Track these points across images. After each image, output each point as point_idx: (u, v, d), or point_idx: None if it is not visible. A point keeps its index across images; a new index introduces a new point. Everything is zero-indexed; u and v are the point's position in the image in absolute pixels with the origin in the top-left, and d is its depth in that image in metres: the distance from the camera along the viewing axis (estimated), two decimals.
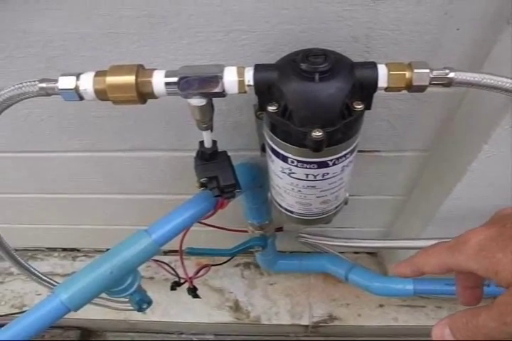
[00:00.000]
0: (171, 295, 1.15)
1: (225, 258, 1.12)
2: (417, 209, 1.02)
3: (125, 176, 0.99)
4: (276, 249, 1.19)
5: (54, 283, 0.95)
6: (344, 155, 0.61)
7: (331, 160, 0.60)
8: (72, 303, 0.70)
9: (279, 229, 1.13)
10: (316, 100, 0.52)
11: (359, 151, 0.82)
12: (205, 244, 1.07)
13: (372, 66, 0.54)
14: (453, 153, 0.79)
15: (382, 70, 0.53)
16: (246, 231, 1.07)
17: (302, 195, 0.69)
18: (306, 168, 0.61)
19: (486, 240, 0.39)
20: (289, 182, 0.67)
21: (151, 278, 1.40)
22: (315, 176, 0.63)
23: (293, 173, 0.64)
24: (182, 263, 1.02)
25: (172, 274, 1.13)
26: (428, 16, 0.59)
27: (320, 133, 0.52)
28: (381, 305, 1.33)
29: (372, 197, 1.04)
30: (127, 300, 0.83)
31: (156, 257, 1.32)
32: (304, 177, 0.64)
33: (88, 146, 0.88)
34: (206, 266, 1.10)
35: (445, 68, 0.54)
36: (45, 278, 0.93)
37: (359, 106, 0.54)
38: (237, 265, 1.41)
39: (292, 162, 0.61)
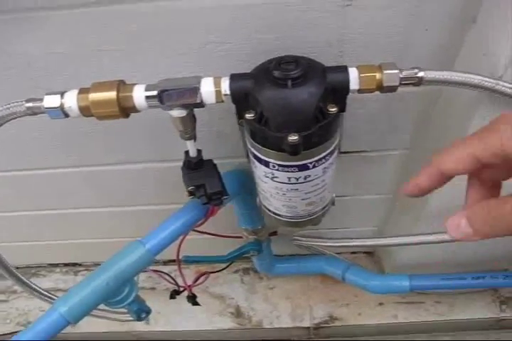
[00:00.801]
0: (172, 304, 1.17)
1: (223, 265, 1.14)
2: (406, 207, 1.04)
3: (117, 189, 1.01)
4: (272, 253, 1.21)
5: (55, 297, 0.97)
6: (324, 157, 0.63)
7: (310, 163, 0.62)
8: (71, 316, 0.72)
9: (274, 233, 1.15)
10: (290, 106, 0.54)
11: (346, 152, 0.85)
12: (203, 252, 1.09)
13: (344, 69, 0.56)
14: (434, 150, 0.80)
15: (353, 73, 0.56)
16: (241, 237, 1.09)
17: (287, 198, 0.71)
18: (288, 171, 0.63)
19: None
20: (273, 186, 0.69)
21: (153, 288, 1.41)
22: (297, 179, 0.65)
23: (276, 177, 0.66)
24: (180, 271, 1.04)
25: (171, 283, 1.15)
26: (396, 19, 0.61)
27: (296, 138, 0.54)
28: (380, 303, 1.35)
29: (363, 197, 1.06)
30: (126, 310, 0.84)
31: (156, 267, 1.35)
32: (287, 181, 0.66)
33: (76, 162, 0.90)
34: (205, 273, 1.12)
35: (414, 68, 0.56)
36: (47, 294, 0.95)
37: (333, 109, 0.56)
38: (237, 271, 1.42)
39: (274, 166, 0.63)
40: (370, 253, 1.42)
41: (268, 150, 0.60)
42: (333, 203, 0.82)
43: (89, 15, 0.61)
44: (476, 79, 0.56)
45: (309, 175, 0.65)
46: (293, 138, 0.54)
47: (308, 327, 1.32)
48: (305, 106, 0.54)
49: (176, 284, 1.12)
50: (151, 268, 1.25)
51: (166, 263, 1.43)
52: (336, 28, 0.61)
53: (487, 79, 0.57)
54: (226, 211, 0.92)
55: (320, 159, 0.63)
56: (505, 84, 0.57)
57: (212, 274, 1.42)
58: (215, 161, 0.76)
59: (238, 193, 0.86)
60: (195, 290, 1.37)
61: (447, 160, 0.38)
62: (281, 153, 0.58)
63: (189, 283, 1.10)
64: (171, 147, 0.82)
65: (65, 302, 0.73)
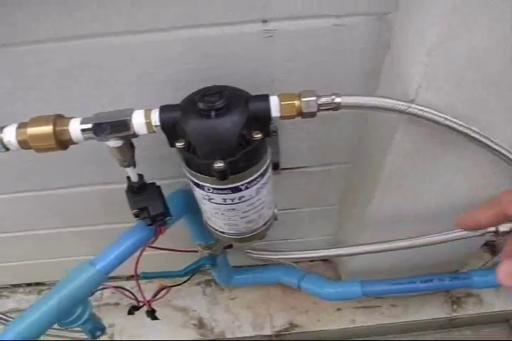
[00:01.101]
0: (136, 319, 1.19)
1: (185, 278, 1.18)
2: (351, 216, 1.08)
3: (72, 210, 1.03)
4: (229, 265, 1.24)
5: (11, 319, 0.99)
6: (255, 179, 0.67)
7: (242, 185, 0.66)
8: (23, 338, 0.74)
9: (229, 247, 1.18)
10: (214, 135, 0.58)
11: (287, 169, 0.89)
12: (165, 266, 1.12)
13: (265, 98, 0.60)
14: (368, 164, 0.85)
15: (274, 101, 0.60)
16: (197, 251, 1.12)
17: (227, 217, 0.75)
18: (222, 193, 0.67)
19: None
20: (212, 207, 0.73)
21: (117, 303, 1.44)
22: (232, 200, 0.69)
23: (212, 199, 0.70)
24: (139, 287, 1.06)
25: (132, 299, 1.17)
26: (317, 47, 0.65)
27: (221, 164, 0.58)
28: (339, 309, 1.39)
29: (310, 209, 1.10)
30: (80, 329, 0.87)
31: (119, 283, 1.37)
32: (223, 202, 0.70)
33: (31, 186, 0.93)
34: (164, 287, 1.14)
35: (332, 94, 0.60)
36: (3, 316, 0.97)
37: (258, 136, 0.60)
38: (199, 283, 1.46)
39: (209, 189, 0.67)
40: (327, 260, 1.47)
41: (201, 175, 0.64)
42: (275, 218, 0.86)
43: (27, 52, 0.64)
44: (389, 103, 0.61)
45: (243, 196, 0.69)
46: (218, 165, 0.58)
47: (270, 335, 1.36)
48: (229, 135, 0.58)
49: (136, 299, 1.15)
50: (112, 284, 1.28)
51: (128, 278, 1.45)
52: (262, 57, 0.65)
53: (400, 102, 0.61)
54: (183, 226, 0.96)
55: (251, 181, 0.66)
56: (417, 106, 0.61)
57: (174, 287, 1.45)
58: (162, 182, 0.80)
59: (185, 212, 0.90)
60: (157, 304, 1.40)
61: (482, 217, 0.44)
62: (213, 178, 0.62)
63: (148, 298, 1.12)
64: (115, 170, 0.85)
65: (18, 324, 0.75)
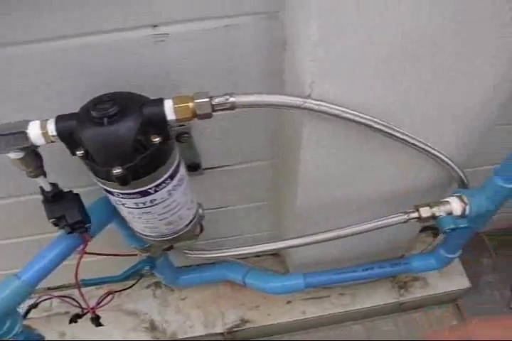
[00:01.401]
0: (87, 325, 1.18)
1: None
2: (284, 210, 1.09)
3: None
4: (173, 266, 1.24)
5: None
6: (163, 182, 0.67)
7: (150, 188, 0.66)
8: None
9: (169, 248, 1.18)
10: (109, 142, 0.58)
11: (209, 168, 0.89)
12: (109, 271, 1.12)
13: (160, 102, 0.60)
14: (287, 158, 0.86)
15: (169, 104, 0.60)
16: (137, 255, 1.12)
17: (145, 221, 0.75)
18: (132, 198, 0.67)
19: None
20: (127, 212, 0.73)
21: (67, 312, 1.43)
22: (144, 204, 0.69)
23: (125, 204, 0.70)
24: (81, 294, 1.05)
25: (76, 306, 1.17)
26: (212, 48, 0.66)
27: (119, 170, 0.58)
28: (288, 302, 1.40)
29: (244, 206, 1.11)
30: None
31: (68, 291, 1.37)
32: (136, 206, 0.70)
33: None
34: (110, 293, 1.14)
35: (226, 94, 0.61)
36: None
37: (156, 140, 0.61)
38: (149, 286, 1.45)
39: (118, 195, 0.67)
40: (275, 254, 1.48)
41: (106, 181, 0.64)
42: (201, 218, 0.87)
43: None
44: (284, 99, 0.62)
45: (155, 199, 0.69)
46: (117, 171, 0.58)
47: (222, 333, 1.36)
48: (123, 141, 0.58)
49: (80, 307, 1.14)
50: (59, 293, 1.27)
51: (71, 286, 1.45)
52: (159, 61, 0.65)
53: (295, 98, 0.62)
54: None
55: (160, 184, 0.67)
56: (313, 101, 0.63)
57: (125, 292, 1.45)
58: (86, 189, 0.80)
59: (112, 218, 0.89)
60: (107, 310, 1.40)
61: None
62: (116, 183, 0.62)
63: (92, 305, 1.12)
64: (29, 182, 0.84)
65: None
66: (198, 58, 0.66)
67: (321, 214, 0.97)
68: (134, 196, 0.67)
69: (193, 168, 0.88)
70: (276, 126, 0.82)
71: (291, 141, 0.78)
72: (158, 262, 1.13)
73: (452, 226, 0.85)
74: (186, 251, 1.08)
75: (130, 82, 0.67)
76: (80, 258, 0.89)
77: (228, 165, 0.92)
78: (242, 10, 0.60)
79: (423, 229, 1.50)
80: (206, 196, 1.02)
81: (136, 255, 1.12)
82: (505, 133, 0.71)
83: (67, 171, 0.81)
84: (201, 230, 1.12)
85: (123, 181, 0.60)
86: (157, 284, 1.46)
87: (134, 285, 1.22)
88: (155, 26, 0.60)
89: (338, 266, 1.21)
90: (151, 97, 0.62)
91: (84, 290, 1.42)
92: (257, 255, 1.46)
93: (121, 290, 1.20)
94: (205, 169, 0.91)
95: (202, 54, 0.66)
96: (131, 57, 0.64)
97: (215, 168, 0.91)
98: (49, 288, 1.46)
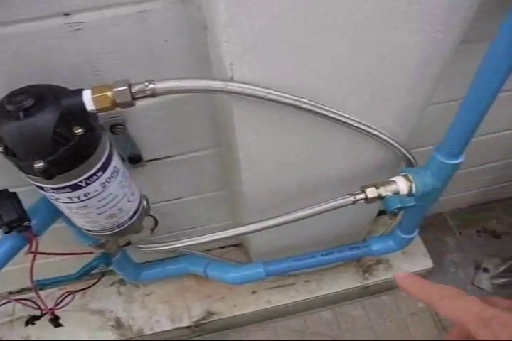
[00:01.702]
0: (52, 327, 1.17)
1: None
2: (235, 199, 1.09)
3: None
4: (132, 262, 1.23)
5: None
6: (94, 174, 0.66)
7: (81, 182, 0.65)
8: None
9: (127, 244, 1.17)
10: (26, 135, 0.57)
11: (152, 160, 0.88)
12: (68, 272, 1.10)
13: (78, 93, 0.59)
14: (229, 145, 0.85)
15: (87, 95, 0.59)
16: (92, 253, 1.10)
17: (83, 215, 0.74)
18: (63, 192, 0.66)
19: None
20: (63, 207, 0.72)
21: (30, 316, 1.40)
22: (78, 198, 0.68)
23: (58, 199, 0.68)
24: (38, 296, 1.04)
25: (35, 308, 1.15)
26: (130, 35, 0.64)
27: (41, 164, 0.57)
28: (254, 292, 1.40)
29: (198, 197, 1.10)
30: None
31: (30, 294, 1.35)
32: (69, 201, 0.69)
33: None
34: (70, 293, 1.13)
35: (146, 81, 0.60)
36: None
37: (78, 131, 0.59)
38: (113, 283, 1.44)
39: (48, 190, 0.66)
40: (238, 245, 1.47)
41: (32, 176, 0.63)
42: (146, 211, 0.85)
43: None
44: (205, 83, 0.61)
45: (88, 193, 0.68)
46: (38, 164, 0.57)
47: (189, 326, 1.36)
48: (42, 134, 0.57)
49: (39, 308, 1.13)
50: (20, 296, 1.26)
51: (42, 288, 1.43)
52: (80, 51, 0.64)
53: (216, 82, 0.61)
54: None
55: (90, 176, 0.65)
56: (234, 84, 0.62)
57: (89, 291, 1.45)
58: (29, 188, 0.78)
59: (56, 216, 0.88)
60: (72, 311, 1.39)
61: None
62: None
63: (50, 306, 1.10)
64: None
65: None
66: (118, 46, 0.65)
67: (269, 201, 0.97)
68: (65, 190, 0.65)
69: (134, 160, 0.86)
70: (213, 112, 0.81)
71: (227, 127, 0.77)
72: (116, 259, 1.12)
73: (399, 205, 0.85)
74: (140, 246, 1.07)
75: (53, 74, 0.65)
76: (33, 258, 0.88)
77: (172, 156, 0.91)
78: None
79: (384, 212, 1.51)
80: (155, 188, 1.02)
81: (90, 253, 1.11)
82: (445, 111, 0.71)
83: (5, 170, 0.79)
84: (156, 223, 1.12)
85: (47, 175, 0.59)
86: (121, 281, 1.45)
87: (95, 283, 1.22)
88: (67, 15, 0.58)
89: (302, 254, 1.20)
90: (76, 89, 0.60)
91: (47, 291, 1.43)
92: (222, 246, 1.46)
93: (80, 290, 1.20)
94: (149, 161, 0.89)
95: (122, 42, 0.64)
96: (50, 48, 0.62)
97: (158, 159, 0.90)
98: (11, 292, 1.44)
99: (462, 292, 0.48)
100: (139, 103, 0.72)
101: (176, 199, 1.08)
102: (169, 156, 0.91)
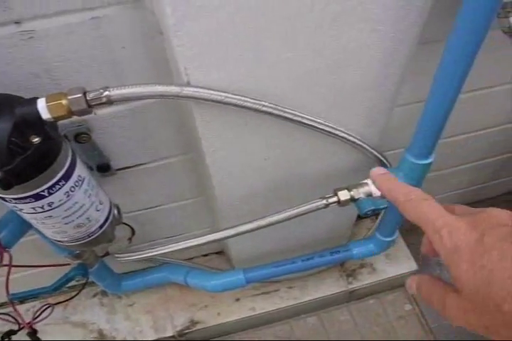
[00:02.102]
0: None
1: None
2: (211, 206, 1.08)
3: None
4: (112, 272, 1.22)
5: None
6: (56, 183, 0.65)
7: (43, 191, 0.64)
8: None
9: (106, 254, 1.16)
10: None
11: (123, 169, 0.88)
12: (46, 285, 1.09)
13: (33, 101, 0.58)
14: (197, 151, 0.84)
15: (41, 103, 0.58)
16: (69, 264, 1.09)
17: (50, 225, 0.73)
18: (26, 202, 0.65)
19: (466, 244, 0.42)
20: (29, 217, 0.71)
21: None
22: (42, 207, 0.67)
23: (22, 209, 0.68)
24: (15, 309, 1.03)
25: (13, 322, 1.14)
26: (85, 43, 0.63)
27: None
28: (237, 299, 1.39)
29: (176, 204, 1.10)
30: None
31: (7, 309, 1.34)
32: (34, 211, 0.68)
33: None
34: (49, 305, 1.11)
35: (101, 88, 0.59)
36: None
37: (35, 140, 0.59)
38: (95, 295, 1.43)
39: (11, 200, 0.65)
40: (220, 252, 1.47)
41: None
42: (118, 220, 0.85)
43: None
44: (160, 89, 0.60)
45: (52, 202, 0.67)
46: None
47: (173, 336, 1.35)
48: None
49: (17, 322, 1.11)
50: None
51: (22, 302, 1.42)
52: (33, 59, 0.63)
53: (171, 87, 0.61)
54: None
55: (52, 186, 0.65)
56: (190, 89, 0.61)
57: (71, 303, 1.43)
58: None
59: (25, 228, 0.87)
60: (53, 324, 1.37)
61: None
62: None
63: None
64: None
65: None
66: (75, 54, 0.64)
67: (245, 206, 0.96)
68: (28, 200, 0.65)
69: (103, 168, 0.86)
70: (181, 119, 0.81)
71: (192, 132, 0.77)
72: (94, 269, 1.11)
73: (372, 207, 0.84)
74: (117, 255, 1.06)
75: (10, 84, 0.65)
76: (8, 272, 0.87)
77: (143, 164, 0.91)
78: (104, 1, 0.59)
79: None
80: (130, 197, 1.01)
81: (67, 265, 1.10)
82: (417, 112, 0.71)
83: None
84: (133, 233, 1.11)
85: (4, 185, 0.58)
86: (103, 293, 1.43)
87: (76, 295, 1.20)
88: (17, 23, 0.58)
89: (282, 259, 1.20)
90: None
91: (28, 305, 1.42)
92: (204, 254, 1.45)
93: (60, 302, 1.18)
94: (119, 169, 0.89)
95: (78, 50, 0.64)
96: (5, 57, 0.62)
97: (129, 167, 0.90)
98: None
99: (427, 196, 0.50)
100: (104, 111, 0.73)
101: (152, 208, 1.07)
102: (140, 164, 0.90)
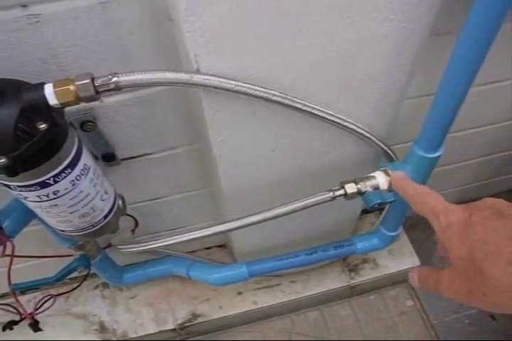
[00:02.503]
0: (34, 333, 1.15)
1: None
2: (217, 197, 1.07)
3: None
4: (114, 264, 1.21)
5: None
6: (62, 172, 0.64)
7: (49, 179, 0.64)
8: None
9: (108, 246, 1.15)
10: None
11: (129, 158, 0.87)
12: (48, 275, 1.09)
13: (40, 87, 0.57)
14: (204, 141, 0.84)
15: (49, 89, 0.57)
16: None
17: (55, 214, 0.72)
18: (31, 190, 0.65)
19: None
20: (34, 206, 0.70)
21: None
22: (47, 196, 0.67)
23: (27, 198, 0.67)
24: (17, 300, 1.03)
25: (15, 313, 1.13)
26: (92, 28, 0.62)
27: (3, 160, 0.55)
28: (239, 293, 1.39)
29: (180, 196, 1.09)
30: None
31: (9, 299, 1.33)
32: (39, 199, 0.67)
33: None
34: (50, 296, 1.11)
35: (109, 74, 0.58)
36: None
37: (43, 126, 0.58)
38: (96, 287, 1.42)
39: (15, 188, 0.64)
40: (222, 246, 1.46)
41: None
42: (122, 210, 0.84)
43: None
44: (170, 76, 0.59)
45: (58, 191, 0.67)
46: (0, 161, 0.55)
47: (174, 329, 1.34)
48: (3, 129, 0.55)
49: (19, 313, 1.11)
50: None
51: (23, 292, 1.42)
52: (42, 44, 0.62)
53: (181, 74, 0.60)
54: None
55: (58, 174, 0.64)
56: (200, 76, 0.60)
57: (72, 294, 1.43)
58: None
59: (29, 217, 0.86)
60: (55, 315, 1.37)
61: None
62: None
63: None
64: None
65: None
66: (82, 39, 0.63)
67: (251, 198, 0.95)
68: (33, 188, 0.64)
69: (108, 158, 0.85)
70: (188, 108, 0.80)
71: (200, 122, 0.76)
72: (96, 261, 1.10)
73: (379, 201, 0.84)
74: (120, 247, 1.06)
75: (16, 69, 0.64)
76: (10, 262, 0.87)
77: (149, 154, 0.90)
78: None
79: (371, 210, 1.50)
80: (135, 188, 1.00)
81: (70, 256, 1.10)
82: (427, 105, 0.70)
83: None
84: (136, 224, 1.10)
85: (10, 171, 0.57)
86: (105, 284, 1.43)
87: (78, 286, 1.19)
88: (24, 6, 0.57)
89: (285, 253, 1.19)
90: None
91: (30, 296, 1.41)
92: (207, 247, 1.45)
93: (62, 293, 1.18)
94: (125, 159, 0.88)
95: (85, 35, 0.62)
96: (11, 41, 0.61)
97: (135, 157, 0.89)
98: None
99: (433, 191, 0.58)
100: (110, 99, 0.72)
101: (157, 199, 1.06)
102: (146, 154, 0.89)
